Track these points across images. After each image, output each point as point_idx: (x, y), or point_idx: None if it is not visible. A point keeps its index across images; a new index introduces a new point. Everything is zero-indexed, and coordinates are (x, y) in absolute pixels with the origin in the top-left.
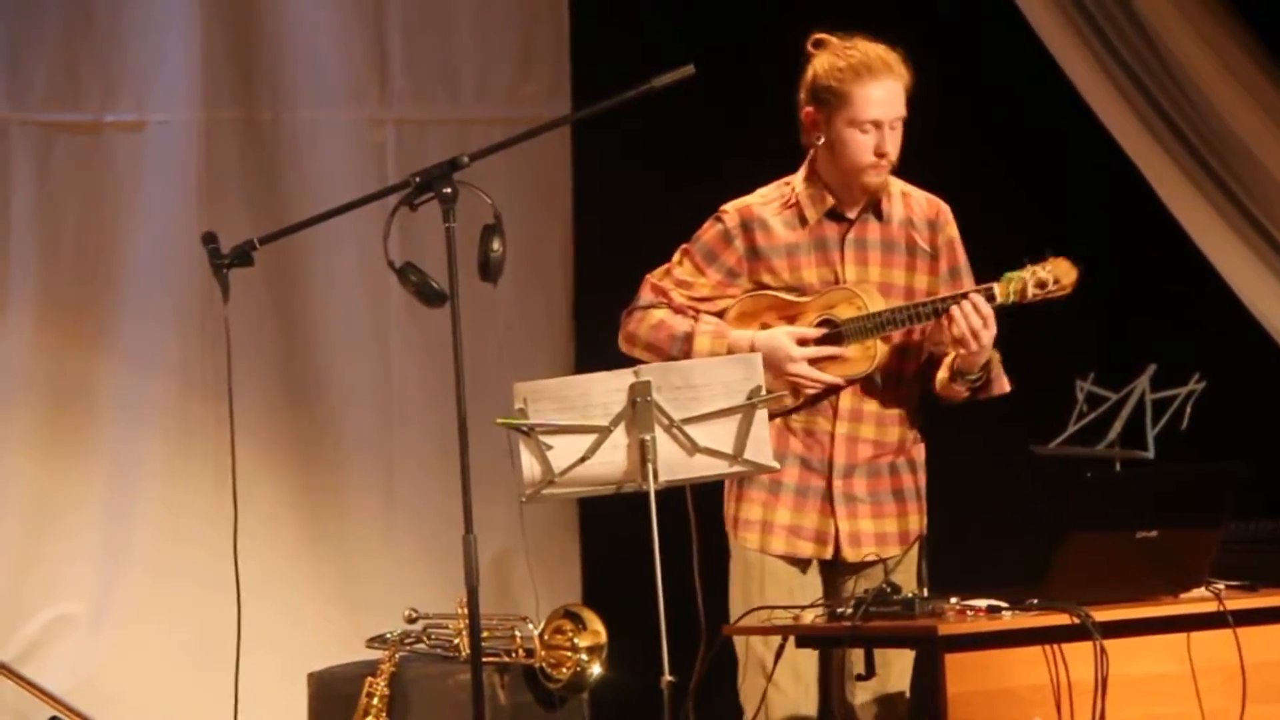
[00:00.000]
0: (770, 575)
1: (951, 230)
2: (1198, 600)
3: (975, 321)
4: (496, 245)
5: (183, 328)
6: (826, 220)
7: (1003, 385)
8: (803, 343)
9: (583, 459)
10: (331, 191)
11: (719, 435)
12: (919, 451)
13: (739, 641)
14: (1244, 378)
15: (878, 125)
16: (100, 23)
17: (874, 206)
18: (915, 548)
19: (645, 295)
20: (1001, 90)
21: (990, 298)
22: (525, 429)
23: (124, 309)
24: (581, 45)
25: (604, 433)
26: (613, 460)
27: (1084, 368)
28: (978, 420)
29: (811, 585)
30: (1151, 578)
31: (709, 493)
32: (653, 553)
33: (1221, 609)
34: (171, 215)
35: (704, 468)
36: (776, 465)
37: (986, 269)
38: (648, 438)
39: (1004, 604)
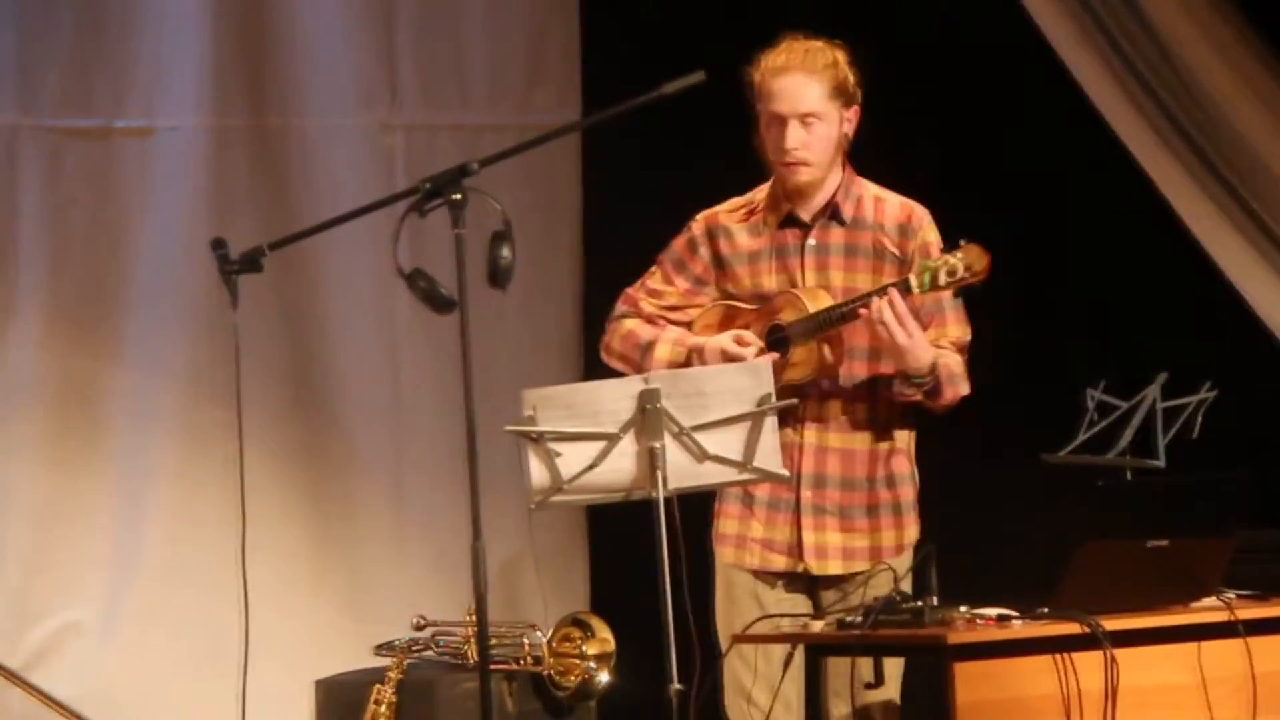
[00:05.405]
0: (744, 590)
1: (926, 235)
2: (1208, 609)
3: (882, 314)
4: (506, 252)
5: (192, 334)
6: (787, 227)
7: (957, 390)
8: (742, 344)
9: (591, 466)
10: (341, 197)
11: (728, 443)
12: (899, 464)
13: (726, 663)
14: (1255, 386)
15: (782, 120)
16: (110, 29)
17: (833, 211)
18: (902, 560)
19: (619, 306)
20: (1008, 94)
21: (906, 289)
22: (534, 436)
23: (133, 315)
24: (592, 52)
25: (613, 440)
26: (621, 468)
27: (1094, 376)
28: (987, 429)
29: (788, 600)
30: (1162, 587)
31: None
32: (661, 560)
33: (1232, 618)
34: (181, 221)
35: (713, 475)
36: (786, 474)
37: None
38: (657, 445)
39: (1013, 613)
